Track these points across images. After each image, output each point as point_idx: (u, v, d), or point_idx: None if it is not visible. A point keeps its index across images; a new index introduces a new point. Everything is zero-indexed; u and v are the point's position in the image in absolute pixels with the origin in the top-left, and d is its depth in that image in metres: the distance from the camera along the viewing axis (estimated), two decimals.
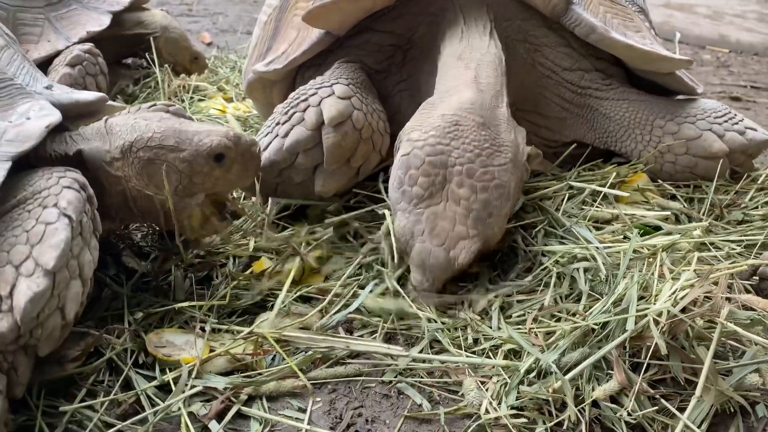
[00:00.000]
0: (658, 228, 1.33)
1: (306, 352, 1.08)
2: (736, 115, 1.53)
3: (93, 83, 2.06)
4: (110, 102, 1.36)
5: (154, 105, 1.39)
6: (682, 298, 0.98)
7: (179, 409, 0.96)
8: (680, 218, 1.42)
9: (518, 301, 1.18)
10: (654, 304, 1.00)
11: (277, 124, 1.40)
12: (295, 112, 1.39)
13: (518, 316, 1.14)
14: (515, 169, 1.25)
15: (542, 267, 1.24)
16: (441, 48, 1.44)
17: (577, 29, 1.46)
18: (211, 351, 1.08)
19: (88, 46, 2.10)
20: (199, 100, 2.35)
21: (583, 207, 1.39)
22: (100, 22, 2.25)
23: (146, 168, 1.16)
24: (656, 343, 0.93)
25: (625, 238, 1.28)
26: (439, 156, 1.20)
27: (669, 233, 1.26)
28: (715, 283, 1.00)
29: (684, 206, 1.45)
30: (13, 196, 1.00)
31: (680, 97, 1.66)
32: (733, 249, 1.27)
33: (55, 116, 1.14)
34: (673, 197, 1.50)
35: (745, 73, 3.83)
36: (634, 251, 1.18)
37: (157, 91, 2.30)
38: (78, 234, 0.97)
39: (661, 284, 1.06)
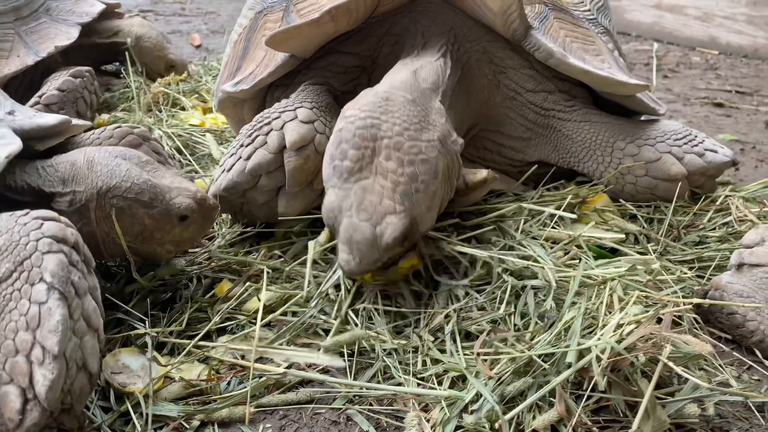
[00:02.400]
0: (614, 251, 1.36)
1: (260, 378, 1.11)
2: (696, 136, 1.55)
3: (84, 103, 2.08)
4: (75, 122, 1.38)
5: (119, 127, 1.42)
6: (627, 334, 1.01)
7: None
8: (639, 239, 1.44)
9: (473, 318, 1.20)
10: (599, 336, 1.02)
11: (241, 146, 1.42)
12: (258, 135, 1.41)
13: (470, 337, 1.17)
14: (444, 150, 1.25)
15: (498, 282, 1.25)
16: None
17: (536, 54, 1.48)
18: (167, 376, 1.11)
19: (77, 69, 2.12)
20: (181, 108, 2.37)
21: (543, 228, 1.42)
22: (69, 35, 2.26)
23: (115, 214, 1.21)
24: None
25: (579, 261, 1.30)
26: (369, 129, 1.20)
27: (622, 258, 1.27)
28: (660, 320, 1.02)
29: (643, 227, 1.47)
30: None
31: (644, 117, 1.68)
32: (685, 273, 1.30)
33: (15, 145, 1.16)
34: (634, 217, 1.52)
35: (732, 77, 3.84)
36: (587, 277, 1.20)
37: (134, 100, 2.32)
38: (74, 296, 0.94)
39: (607, 315, 1.08)
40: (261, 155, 1.39)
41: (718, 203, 1.53)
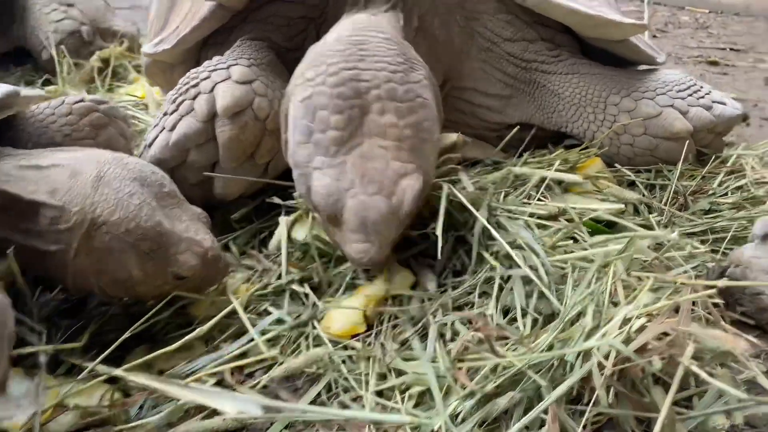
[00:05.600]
0: (611, 224, 1.14)
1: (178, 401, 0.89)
2: (702, 87, 1.33)
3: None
4: (25, 93, 1.11)
5: (81, 101, 1.16)
6: (637, 331, 0.79)
7: None
8: (639, 209, 1.23)
9: (456, 308, 0.99)
10: (601, 336, 0.80)
11: (164, 114, 1.18)
12: (183, 100, 1.17)
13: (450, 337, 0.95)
14: (433, 87, 1.05)
15: (483, 271, 1.04)
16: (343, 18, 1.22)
17: None
18: (60, 404, 0.88)
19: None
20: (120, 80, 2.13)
21: (528, 201, 1.19)
22: None
23: (100, 252, 0.92)
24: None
25: (573, 241, 1.08)
26: (349, 84, 0.97)
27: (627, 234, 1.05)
28: (677, 310, 0.80)
29: (643, 195, 1.25)
30: None
31: (640, 67, 1.45)
32: (697, 248, 1.08)
33: None
34: (632, 184, 1.30)
35: (725, 35, 3.61)
36: (582, 259, 0.99)
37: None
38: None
39: (611, 308, 0.86)
40: (187, 124, 1.15)
41: (729, 164, 1.31)
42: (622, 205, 1.14)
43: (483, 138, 1.42)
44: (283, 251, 1.10)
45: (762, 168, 1.26)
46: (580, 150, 1.31)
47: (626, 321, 0.81)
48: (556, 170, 1.23)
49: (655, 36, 3.49)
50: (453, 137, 1.15)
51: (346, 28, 1.09)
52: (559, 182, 1.26)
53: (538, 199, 1.16)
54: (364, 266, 1.00)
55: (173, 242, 0.94)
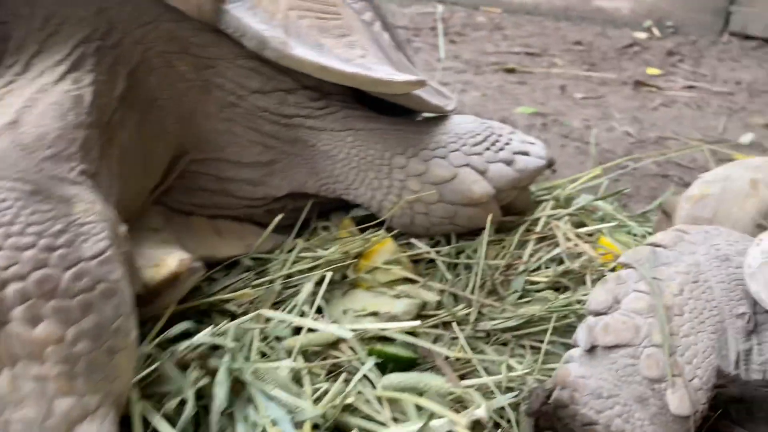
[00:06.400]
0: (399, 360, 0.85)
1: None
2: (500, 136, 1.09)
3: None
4: None
5: None
6: None
7: None
8: (443, 302, 0.97)
9: None
10: None
11: None
12: None
13: None
14: (120, 254, 0.69)
15: None
16: None
17: (244, 41, 0.92)
18: None
19: None
20: None
21: (302, 314, 0.88)
22: None
23: None
24: None
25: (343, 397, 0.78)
26: None
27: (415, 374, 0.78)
28: None
29: (446, 281, 1.00)
30: None
31: (427, 114, 1.20)
32: (512, 369, 0.84)
33: None
34: (431, 263, 1.05)
35: (519, 36, 3.63)
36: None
37: None
38: None
39: None
40: None
41: (538, 229, 1.09)
42: (417, 321, 0.86)
43: (249, 217, 1.08)
44: None
45: (573, 231, 1.06)
46: (368, 233, 1.02)
47: None
48: (335, 266, 0.93)
49: (453, 41, 3.39)
50: (174, 261, 0.79)
51: None
52: (343, 277, 0.97)
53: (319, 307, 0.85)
54: None
55: None
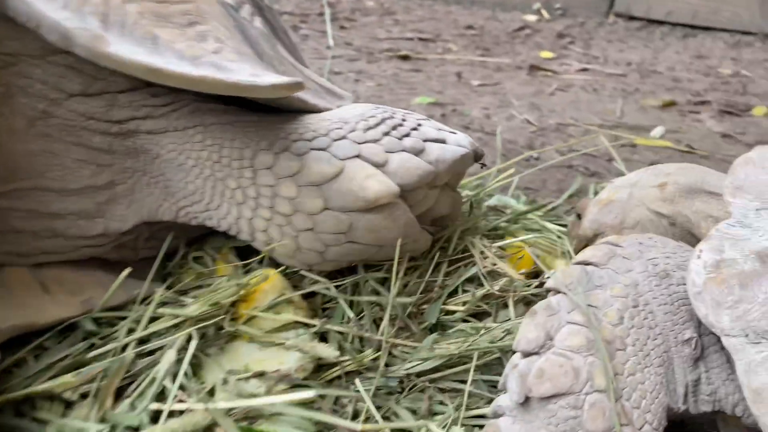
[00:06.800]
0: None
1: None
2: (404, 119, 0.85)
3: None
4: None
5: None
6: None
7: None
8: (344, 347, 0.78)
9: None
10: None
11: None
12: None
13: None
14: None
15: None
16: None
17: (43, 33, 0.67)
18: None
19: None
20: None
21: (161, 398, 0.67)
22: None
23: None
24: None
25: None
26: None
27: None
28: None
29: (348, 319, 0.81)
30: None
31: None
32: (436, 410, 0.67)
33: None
34: (330, 303, 0.86)
35: (410, 21, 3.49)
36: None
37: None
38: None
39: None
40: None
41: (453, 246, 0.91)
42: (311, 393, 0.67)
43: (91, 257, 0.84)
44: None
45: (491, 248, 0.90)
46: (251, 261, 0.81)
47: None
48: (204, 324, 0.72)
49: (343, 27, 3.20)
50: None
51: None
52: (219, 329, 0.76)
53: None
54: None
55: None
